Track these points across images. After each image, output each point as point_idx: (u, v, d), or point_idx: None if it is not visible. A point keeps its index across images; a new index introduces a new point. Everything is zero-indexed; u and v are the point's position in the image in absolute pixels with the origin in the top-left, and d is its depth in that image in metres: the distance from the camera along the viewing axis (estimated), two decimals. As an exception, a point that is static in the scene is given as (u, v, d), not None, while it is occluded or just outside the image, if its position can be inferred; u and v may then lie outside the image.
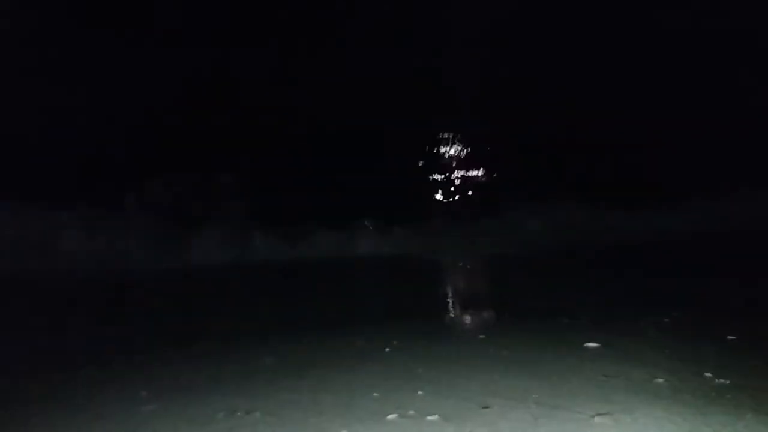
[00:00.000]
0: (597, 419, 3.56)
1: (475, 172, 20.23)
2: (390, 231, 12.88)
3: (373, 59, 20.37)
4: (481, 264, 9.35)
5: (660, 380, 4.22)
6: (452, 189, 19.09)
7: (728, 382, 4.21)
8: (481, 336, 5.53)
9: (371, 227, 12.64)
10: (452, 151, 20.68)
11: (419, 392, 4.12)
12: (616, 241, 9.86)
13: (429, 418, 3.68)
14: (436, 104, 20.75)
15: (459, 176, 20.10)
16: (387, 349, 5.11)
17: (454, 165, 20.37)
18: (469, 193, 19.43)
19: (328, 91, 19.13)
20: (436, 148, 21.07)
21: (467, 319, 6.30)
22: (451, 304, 7.05)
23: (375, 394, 4.11)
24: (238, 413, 3.82)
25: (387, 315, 6.37)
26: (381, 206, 14.21)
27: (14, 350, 5.63)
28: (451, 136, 21.22)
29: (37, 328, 6.37)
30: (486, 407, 3.82)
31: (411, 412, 3.78)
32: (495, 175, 20.10)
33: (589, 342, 5.09)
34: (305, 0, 21.66)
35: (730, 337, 5.33)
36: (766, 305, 6.62)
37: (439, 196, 18.67)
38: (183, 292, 7.39)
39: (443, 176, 19.88)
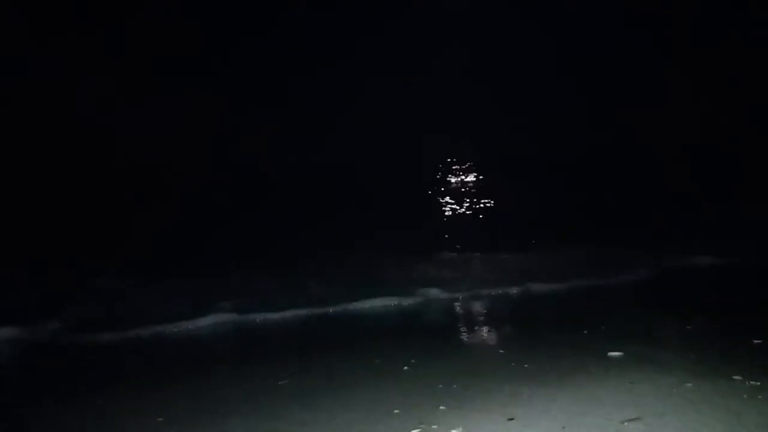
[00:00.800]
0: (627, 424, 3.47)
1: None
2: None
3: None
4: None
5: (689, 384, 4.13)
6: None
7: (759, 383, 4.11)
8: (501, 351, 5.44)
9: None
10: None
11: (441, 407, 4.04)
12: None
13: (453, 431, 3.60)
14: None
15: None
16: (405, 367, 5.03)
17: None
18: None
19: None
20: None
21: (485, 334, 6.21)
22: (467, 321, 6.95)
23: (396, 410, 4.04)
24: (258, 435, 3.76)
25: (403, 333, 6.28)
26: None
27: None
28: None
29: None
30: (511, 419, 3.74)
31: (434, 427, 3.71)
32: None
33: (612, 351, 4.99)
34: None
35: (756, 341, 5.22)
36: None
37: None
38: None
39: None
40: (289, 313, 7.13)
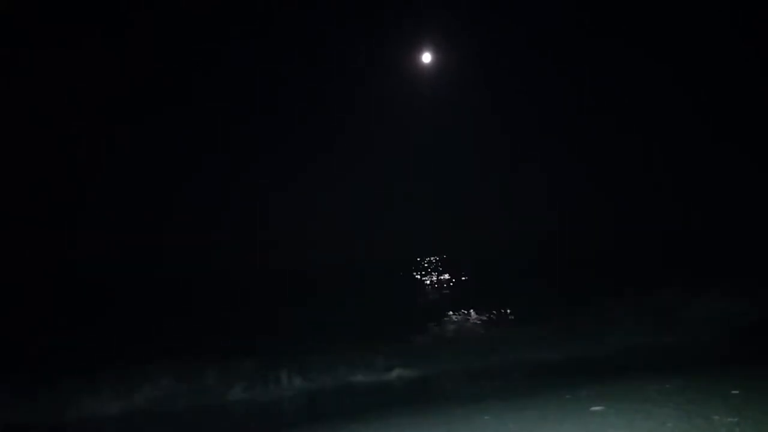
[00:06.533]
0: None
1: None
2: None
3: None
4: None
5: (669, 425, 4.27)
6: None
7: (736, 419, 4.28)
8: (486, 417, 5.47)
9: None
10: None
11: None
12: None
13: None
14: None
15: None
16: (390, 437, 5.04)
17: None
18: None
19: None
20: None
21: (467, 398, 6.23)
22: (451, 386, 6.98)
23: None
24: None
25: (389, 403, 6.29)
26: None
27: None
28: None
29: None
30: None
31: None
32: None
33: (595, 406, 5.11)
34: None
35: (734, 392, 5.40)
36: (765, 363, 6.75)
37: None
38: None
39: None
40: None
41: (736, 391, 5.43)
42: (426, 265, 28.92)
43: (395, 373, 7.76)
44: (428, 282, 22.80)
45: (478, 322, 11.77)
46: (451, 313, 13.56)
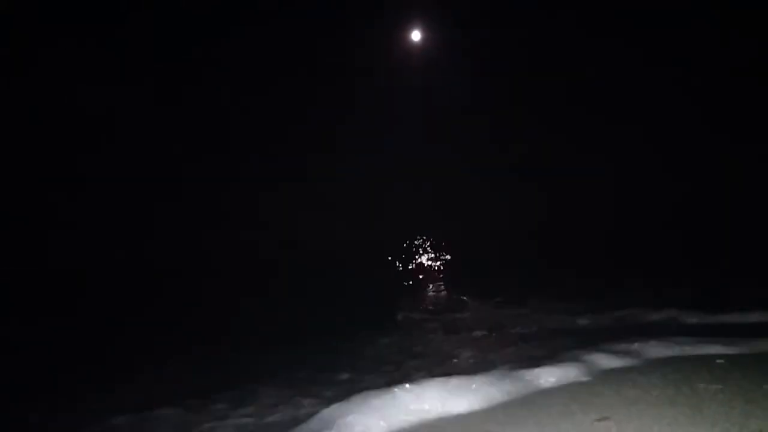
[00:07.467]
0: (596, 423, 3.66)
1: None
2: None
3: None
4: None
5: (655, 393, 4.37)
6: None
7: (720, 386, 4.39)
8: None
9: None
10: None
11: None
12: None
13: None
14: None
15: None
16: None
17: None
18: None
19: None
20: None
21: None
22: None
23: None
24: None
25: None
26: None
27: None
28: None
29: None
30: (489, 435, 3.86)
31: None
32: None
33: (583, 377, 5.20)
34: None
35: (719, 361, 5.50)
36: (750, 332, 6.85)
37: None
38: None
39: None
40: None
41: (721, 360, 5.54)
42: (424, 257, 28.93)
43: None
44: (426, 272, 22.87)
45: (467, 301, 12.06)
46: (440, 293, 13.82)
